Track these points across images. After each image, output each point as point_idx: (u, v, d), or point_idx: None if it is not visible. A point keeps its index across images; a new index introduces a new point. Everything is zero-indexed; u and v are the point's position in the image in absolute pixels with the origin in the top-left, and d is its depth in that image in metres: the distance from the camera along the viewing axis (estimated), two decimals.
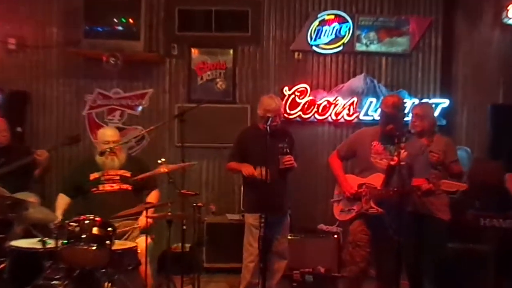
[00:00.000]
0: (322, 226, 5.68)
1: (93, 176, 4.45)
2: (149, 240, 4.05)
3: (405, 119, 4.22)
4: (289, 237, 4.93)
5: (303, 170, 5.78)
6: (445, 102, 6.07)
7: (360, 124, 5.98)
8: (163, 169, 3.96)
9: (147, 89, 6.06)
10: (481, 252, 4.94)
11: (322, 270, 5.28)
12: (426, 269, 4.43)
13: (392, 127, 3.84)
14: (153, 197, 4.57)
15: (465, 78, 6.28)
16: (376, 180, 3.94)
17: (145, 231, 4.05)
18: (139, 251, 3.98)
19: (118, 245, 3.85)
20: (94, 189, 4.42)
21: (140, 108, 6.03)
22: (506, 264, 4.58)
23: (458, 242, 5.07)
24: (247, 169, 4.24)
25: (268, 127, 3.94)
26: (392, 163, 3.89)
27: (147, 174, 4.08)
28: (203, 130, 5.94)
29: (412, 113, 4.52)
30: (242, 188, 4.70)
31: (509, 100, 6.18)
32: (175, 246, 5.34)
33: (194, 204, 4.16)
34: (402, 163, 3.76)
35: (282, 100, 5.48)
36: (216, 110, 5.97)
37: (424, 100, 6.00)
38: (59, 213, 4.26)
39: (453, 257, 4.91)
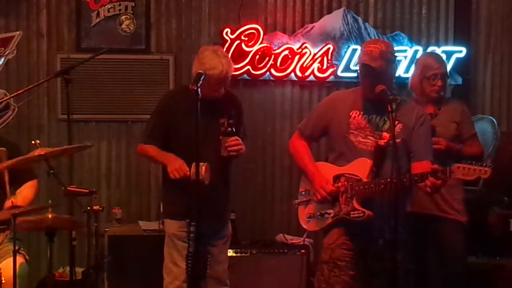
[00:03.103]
0: (282, 238, 5.71)
1: None
2: (19, 261, 3.95)
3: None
4: (233, 254, 4.94)
5: (253, 155, 5.82)
6: (461, 52, 6.19)
7: (338, 84, 6.04)
8: (38, 153, 3.86)
9: (12, 31, 5.89)
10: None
11: None
12: None
13: (383, 88, 3.85)
14: (27, 193, 4.49)
15: (489, 17, 6.40)
16: (360, 168, 3.94)
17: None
18: (3, 280, 3.91)
19: None
20: None
21: (2, 60, 5.87)
22: None
23: (478, 256, 5.23)
24: (175, 167, 4.13)
25: (198, 89, 3.87)
26: (382, 142, 3.91)
27: (15, 160, 3.97)
28: (101, 95, 5.88)
29: (430, 73, 4.57)
30: (162, 182, 4.65)
31: None
32: (60, 271, 5.29)
33: (89, 208, 4.12)
34: (397, 140, 3.78)
35: (223, 48, 5.39)
36: (121, 64, 5.91)
37: (431, 49, 6.11)
38: None
39: (471, 277, 5.06)
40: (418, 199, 4.32)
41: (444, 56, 6.04)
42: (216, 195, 4.28)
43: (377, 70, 3.89)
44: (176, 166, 4.10)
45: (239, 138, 4.20)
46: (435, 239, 4.49)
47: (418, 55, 6.10)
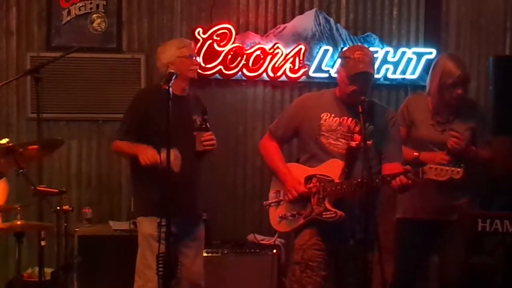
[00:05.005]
0: (253, 237, 5.69)
1: None
2: None
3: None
4: (204, 254, 4.91)
5: (225, 155, 5.79)
6: (431, 53, 6.21)
7: (310, 84, 6.05)
8: (6, 145, 3.82)
9: None
10: (482, 268, 5.13)
11: None
12: None
13: (354, 89, 3.87)
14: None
15: (459, 20, 6.45)
16: (332, 169, 3.96)
17: None
18: None
19: None
20: None
21: None
22: None
23: None
24: (146, 155, 4.13)
25: (169, 89, 3.85)
26: (353, 144, 3.92)
27: None
28: (72, 94, 5.84)
29: (450, 81, 4.33)
30: (132, 180, 4.60)
31: None
32: (29, 272, 5.22)
33: (58, 208, 4.08)
34: (368, 142, 3.80)
35: (195, 47, 5.42)
36: (91, 63, 5.87)
37: (402, 50, 6.16)
38: None
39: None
40: (432, 206, 4.36)
41: (414, 58, 6.12)
42: (191, 190, 4.30)
43: (373, 76, 3.96)
44: (148, 153, 4.11)
45: (212, 133, 4.26)
46: (447, 242, 4.49)
47: (389, 56, 6.15)
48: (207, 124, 4.25)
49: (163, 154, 3.90)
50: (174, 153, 4.02)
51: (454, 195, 4.38)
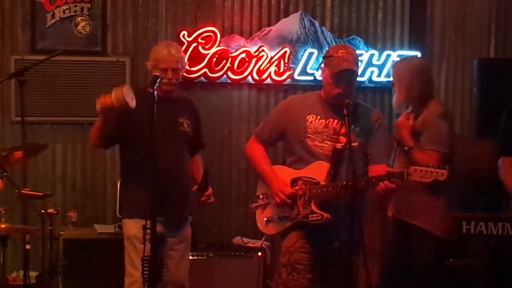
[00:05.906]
0: (239, 240, 5.71)
1: None
2: None
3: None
4: (190, 257, 4.91)
5: (210, 158, 5.79)
6: (416, 56, 6.23)
7: (295, 87, 6.07)
8: None
9: None
10: (466, 270, 5.16)
11: None
12: None
13: (339, 91, 3.87)
14: None
15: (444, 22, 6.49)
16: (318, 171, 3.94)
17: None
18: None
19: None
20: None
21: None
22: (502, 286, 4.78)
23: None
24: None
25: (154, 91, 3.85)
26: (339, 146, 3.93)
27: None
28: (56, 97, 5.83)
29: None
30: (119, 184, 4.60)
31: (503, 54, 6.48)
32: (14, 275, 5.20)
33: (43, 211, 4.06)
34: (354, 144, 3.81)
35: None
36: (76, 66, 5.87)
37: (387, 53, 6.19)
38: None
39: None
40: (401, 206, 4.37)
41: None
42: (176, 193, 4.29)
43: (357, 74, 3.96)
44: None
45: (211, 191, 4.34)
46: (417, 245, 4.49)
47: (373, 59, 6.19)
48: (207, 184, 4.30)
49: (113, 93, 3.91)
50: (125, 88, 3.95)
51: (424, 197, 4.38)
